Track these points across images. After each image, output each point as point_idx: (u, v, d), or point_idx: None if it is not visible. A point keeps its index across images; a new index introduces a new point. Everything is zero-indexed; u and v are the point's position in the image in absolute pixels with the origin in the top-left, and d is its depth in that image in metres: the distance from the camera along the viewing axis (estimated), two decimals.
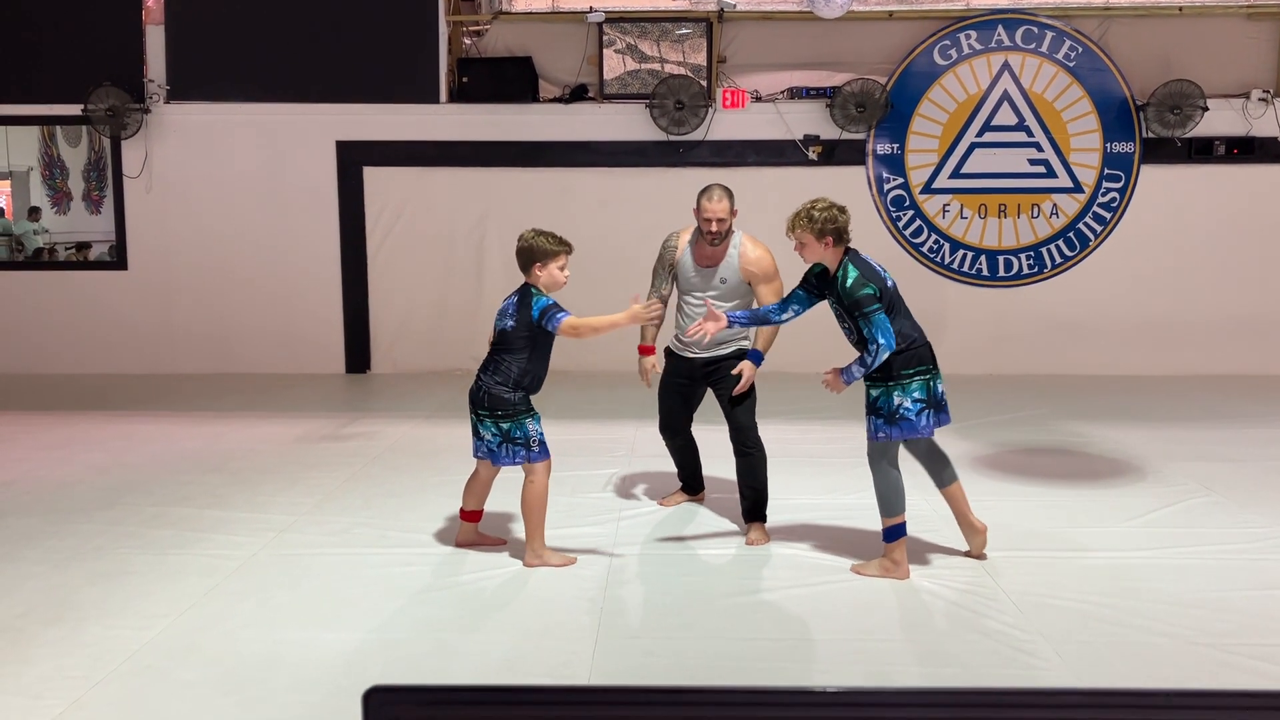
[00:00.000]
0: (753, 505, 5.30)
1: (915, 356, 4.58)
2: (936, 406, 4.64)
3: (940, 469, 4.86)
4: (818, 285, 4.73)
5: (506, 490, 5.29)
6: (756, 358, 5.27)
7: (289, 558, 5.00)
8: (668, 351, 5.50)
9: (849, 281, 4.51)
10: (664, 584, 4.72)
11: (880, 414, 4.58)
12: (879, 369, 4.54)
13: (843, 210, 4.59)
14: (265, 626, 4.22)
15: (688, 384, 5.44)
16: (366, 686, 3.80)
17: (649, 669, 3.87)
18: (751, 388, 5.29)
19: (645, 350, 5.44)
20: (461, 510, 5.14)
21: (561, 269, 4.81)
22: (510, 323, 4.77)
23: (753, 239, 5.29)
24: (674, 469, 5.85)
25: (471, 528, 5.14)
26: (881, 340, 4.43)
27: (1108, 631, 4.16)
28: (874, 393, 4.60)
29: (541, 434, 4.88)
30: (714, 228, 5.14)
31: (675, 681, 3.78)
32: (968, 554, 4.96)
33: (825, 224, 4.52)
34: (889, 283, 4.61)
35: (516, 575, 4.78)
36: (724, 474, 6.25)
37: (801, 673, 3.84)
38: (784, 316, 4.81)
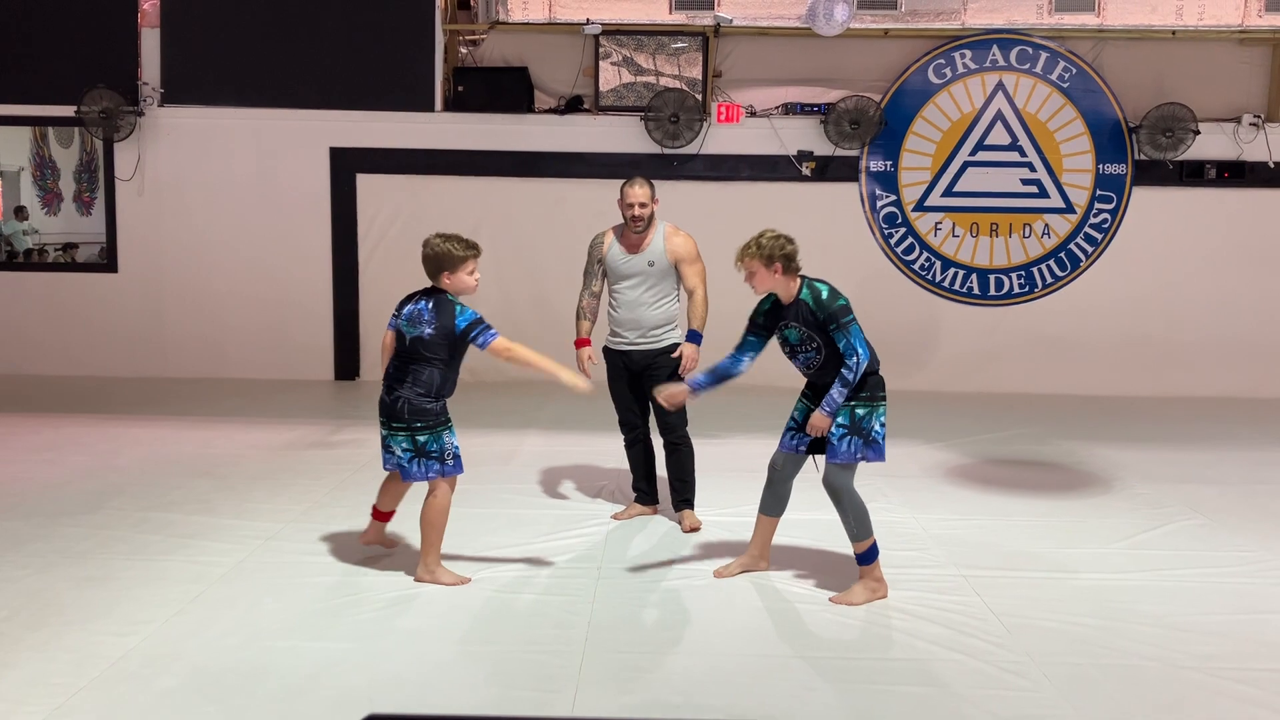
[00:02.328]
0: (684, 495, 5.68)
1: (882, 381, 4.62)
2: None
3: (783, 501, 4.90)
4: (765, 324, 4.73)
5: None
6: (696, 338, 5.58)
7: (275, 565, 4.97)
8: (605, 350, 5.72)
9: (824, 295, 4.53)
10: (651, 599, 4.71)
11: (862, 434, 4.54)
12: (864, 387, 4.54)
13: (790, 240, 4.58)
14: (250, 635, 4.20)
15: (633, 377, 5.65)
16: (351, 697, 3.79)
17: (636, 685, 3.86)
18: None
19: (582, 343, 5.73)
20: (375, 508, 5.03)
21: (471, 274, 4.72)
22: (428, 330, 4.62)
23: (675, 227, 5.64)
24: (650, 481, 5.87)
25: (380, 527, 5.05)
26: (860, 350, 4.45)
27: (1094, 654, 4.16)
28: (860, 411, 4.54)
29: (457, 447, 4.75)
30: (636, 211, 5.45)
31: (661, 698, 3.76)
32: (726, 568, 4.97)
33: (773, 250, 4.51)
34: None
35: (503, 587, 4.76)
36: (721, 491, 6.26)
37: (787, 691, 3.83)
38: (741, 367, 4.77)
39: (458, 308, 4.67)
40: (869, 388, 4.55)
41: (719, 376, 4.75)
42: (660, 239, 5.54)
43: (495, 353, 4.64)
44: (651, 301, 5.54)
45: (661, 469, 5.80)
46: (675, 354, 5.55)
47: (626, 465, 5.93)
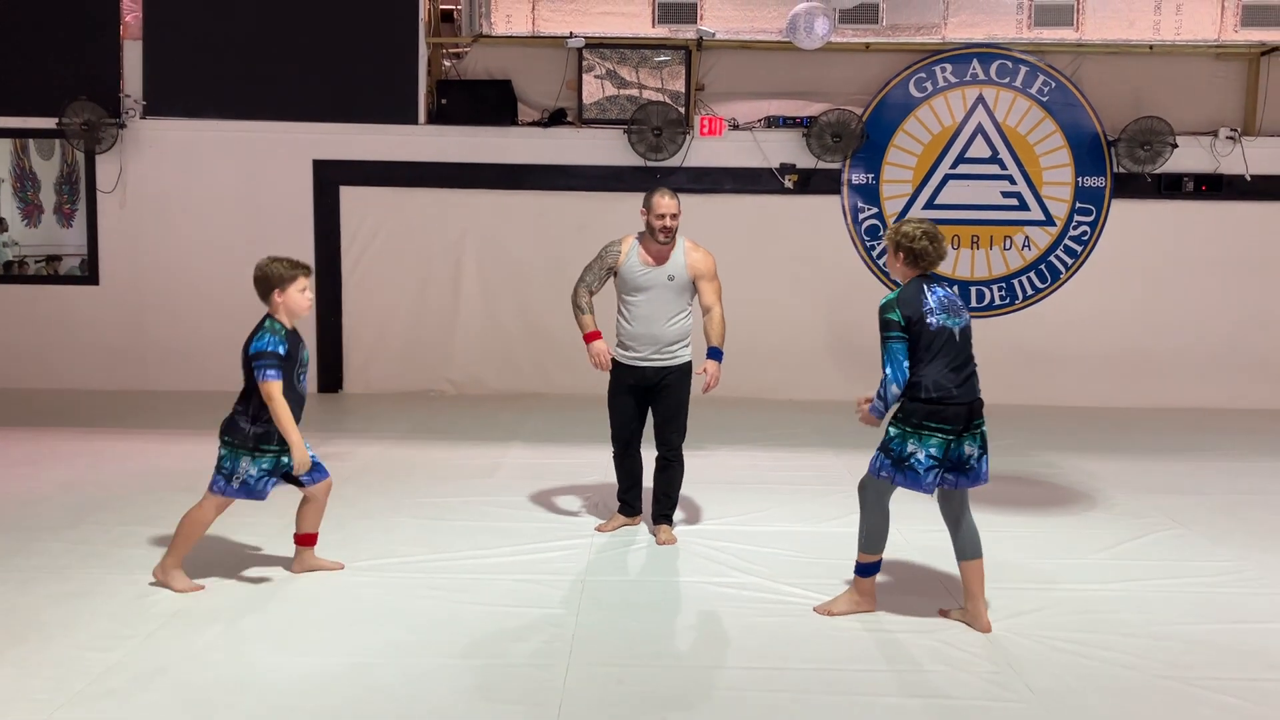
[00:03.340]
0: (666, 510, 5.67)
1: (942, 413, 4.33)
2: (954, 468, 4.41)
3: (963, 541, 4.55)
4: None
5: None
6: (718, 354, 5.53)
7: (257, 579, 4.96)
8: (614, 362, 5.64)
9: (882, 301, 4.43)
10: (635, 611, 4.71)
11: (889, 454, 4.41)
12: (901, 410, 4.39)
13: (932, 238, 4.42)
14: (233, 649, 4.19)
15: (640, 392, 5.60)
16: (337, 711, 3.78)
17: (620, 697, 3.86)
18: (685, 408, 5.58)
19: (595, 336, 5.59)
20: (295, 536, 5.03)
21: (302, 291, 4.72)
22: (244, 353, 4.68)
23: (694, 243, 5.60)
24: (636, 492, 5.87)
25: (309, 554, 5.04)
26: (887, 371, 4.33)
27: (1076, 664, 4.19)
28: (891, 431, 4.42)
29: (254, 478, 4.68)
30: (667, 223, 5.41)
31: (646, 710, 3.77)
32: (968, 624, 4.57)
33: (901, 240, 4.44)
34: (933, 322, 4.35)
35: (487, 600, 4.76)
36: (703, 504, 6.27)
37: (771, 702, 3.85)
38: (900, 375, 4.37)
39: (263, 332, 4.66)
40: (904, 411, 4.38)
41: (883, 397, 4.41)
42: (680, 254, 5.49)
43: (264, 393, 4.58)
44: (668, 316, 5.47)
45: (645, 480, 5.80)
46: (700, 370, 5.49)
47: (610, 478, 5.93)
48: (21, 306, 9.93)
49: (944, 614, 4.65)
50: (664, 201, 5.41)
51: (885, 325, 4.38)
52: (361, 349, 10.02)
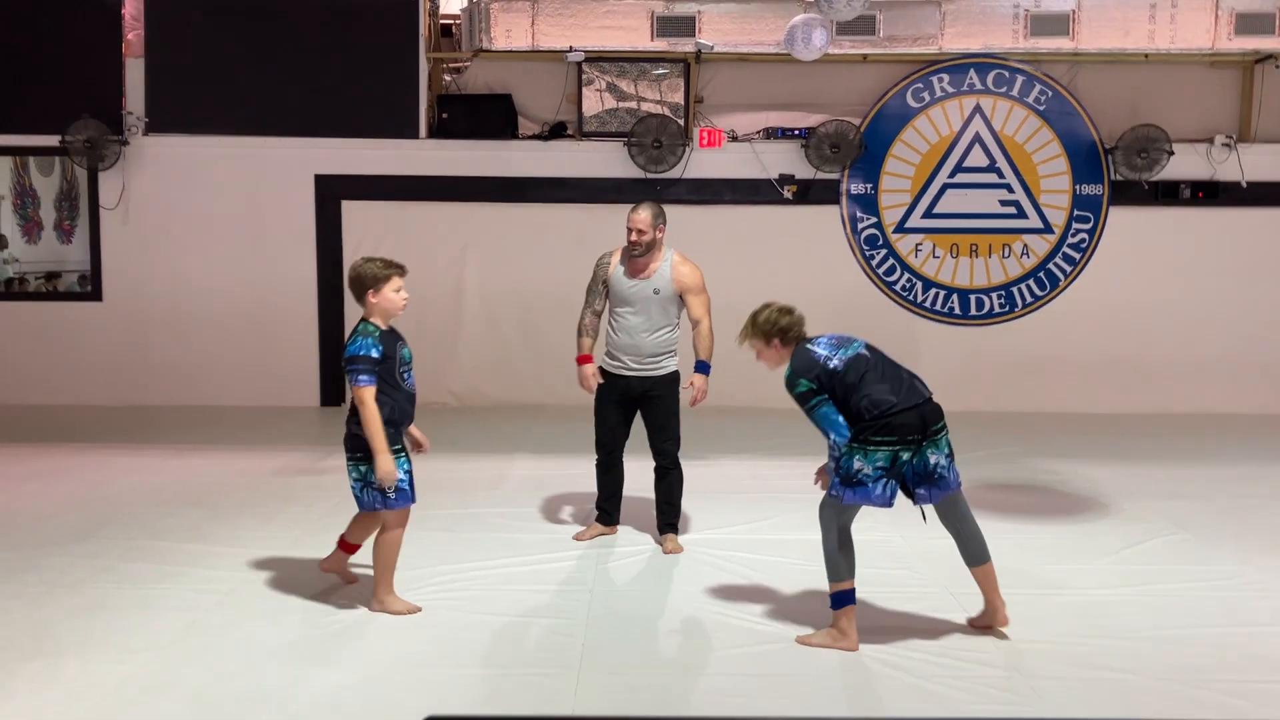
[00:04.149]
0: (670, 519, 5.72)
1: (887, 425, 4.30)
2: (923, 480, 4.40)
3: (969, 548, 4.54)
4: None
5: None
6: (705, 368, 5.59)
7: (269, 592, 4.98)
8: (601, 371, 5.71)
9: (786, 374, 4.43)
10: (645, 620, 4.74)
11: (839, 472, 4.37)
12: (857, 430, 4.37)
13: (786, 311, 4.50)
14: (248, 662, 4.21)
15: (627, 402, 5.67)
16: None
17: (632, 705, 3.89)
18: (676, 416, 5.63)
19: (585, 359, 5.70)
20: (341, 537, 5.03)
21: (397, 291, 4.67)
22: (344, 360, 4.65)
23: (683, 256, 5.64)
24: (645, 502, 5.91)
25: (342, 557, 5.02)
26: (831, 436, 4.32)
27: (1083, 669, 4.22)
28: (843, 449, 4.42)
29: (402, 480, 4.64)
30: (633, 237, 5.50)
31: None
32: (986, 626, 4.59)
33: (769, 329, 4.47)
34: (838, 364, 4.36)
35: (497, 611, 4.78)
36: (705, 514, 6.30)
37: (782, 708, 3.87)
38: (841, 430, 4.35)
39: (356, 336, 4.61)
40: (855, 431, 4.34)
41: (831, 450, 4.43)
42: (667, 267, 5.55)
43: (356, 398, 4.55)
44: (652, 329, 5.54)
45: (647, 491, 5.83)
46: (686, 385, 5.56)
47: None
48: (24, 323, 9.95)
49: (971, 623, 4.62)
50: (633, 216, 5.51)
51: (801, 399, 4.37)
52: None
